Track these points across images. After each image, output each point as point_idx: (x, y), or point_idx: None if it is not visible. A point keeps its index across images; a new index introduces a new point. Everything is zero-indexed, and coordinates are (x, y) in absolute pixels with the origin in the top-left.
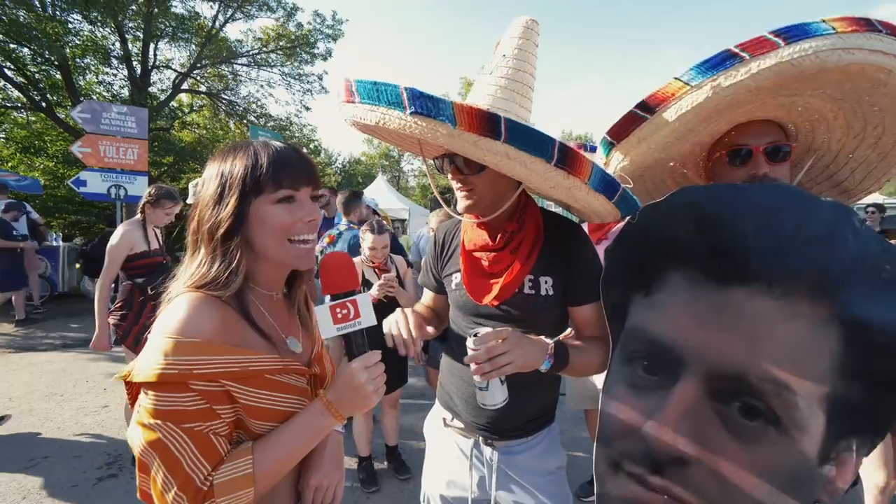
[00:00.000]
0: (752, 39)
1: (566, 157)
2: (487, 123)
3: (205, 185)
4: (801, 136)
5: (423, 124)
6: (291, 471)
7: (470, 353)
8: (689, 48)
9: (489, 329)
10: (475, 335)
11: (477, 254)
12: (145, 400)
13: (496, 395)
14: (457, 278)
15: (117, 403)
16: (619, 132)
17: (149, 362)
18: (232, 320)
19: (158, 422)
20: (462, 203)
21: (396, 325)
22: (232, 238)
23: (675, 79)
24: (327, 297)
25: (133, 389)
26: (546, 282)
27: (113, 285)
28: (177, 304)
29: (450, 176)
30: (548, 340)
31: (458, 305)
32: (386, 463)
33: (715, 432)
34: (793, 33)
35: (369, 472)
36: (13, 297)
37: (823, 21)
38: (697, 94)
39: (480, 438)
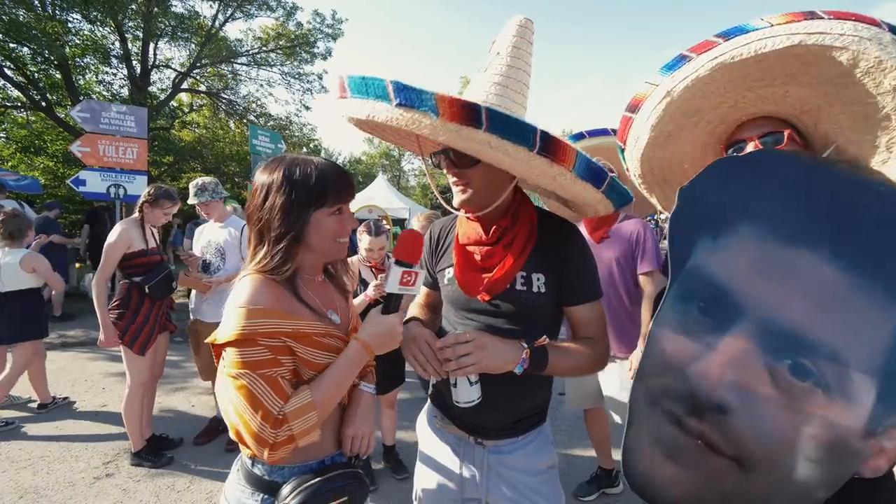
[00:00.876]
0: (700, 42)
1: (548, 144)
2: (469, 112)
3: (267, 191)
4: (810, 129)
5: (407, 115)
6: (333, 423)
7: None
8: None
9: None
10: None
11: (470, 248)
12: (228, 357)
13: (467, 394)
14: (450, 273)
15: (115, 403)
16: (621, 134)
17: (228, 327)
18: (284, 295)
19: (241, 370)
20: (458, 198)
21: (420, 352)
22: (296, 241)
23: (646, 82)
24: (393, 261)
25: (217, 350)
26: (538, 279)
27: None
28: (244, 283)
29: (446, 171)
30: (523, 345)
31: (450, 300)
32: (383, 462)
33: (762, 386)
34: (732, 33)
35: (366, 471)
36: (53, 294)
37: (762, 19)
38: (659, 91)
39: (471, 438)
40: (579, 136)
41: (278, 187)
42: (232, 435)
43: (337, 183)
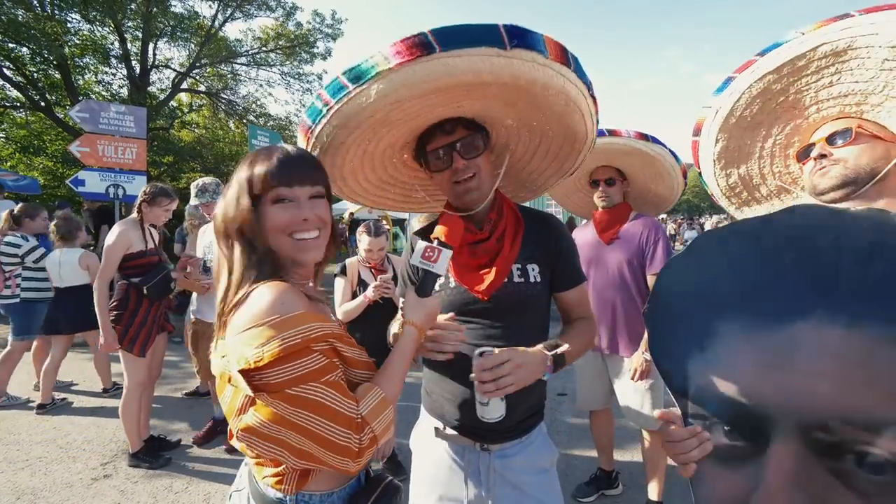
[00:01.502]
0: (742, 64)
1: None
2: (565, 53)
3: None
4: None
5: (527, 56)
6: None
7: (476, 372)
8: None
9: (492, 350)
10: (479, 354)
11: (463, 249)
12: (274, 378)
13: (496, 410)
14: (440, 281)
15: (113, 403)
16: (695, 160)
17: (263, 345)
18: (306, 299)
19: (301, 386)
20: (466, 196)
21: (448, 341)
22: (254, 238)
23: (704, 106)
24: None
25: (249, 376)
26: (533, 269)
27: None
28: (263, 293)
29: (451, 166)
30: (546, 352)
31: (446, 307)
32: (381, 464)
33: (838, 496)
34: (767, 50)
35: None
36: None
37: (796, 31)
38: (711, 112)
39: (477, 445)
40: (644, 137)
41: (231, 182)
42: (280, 464)
43: (271, 167)
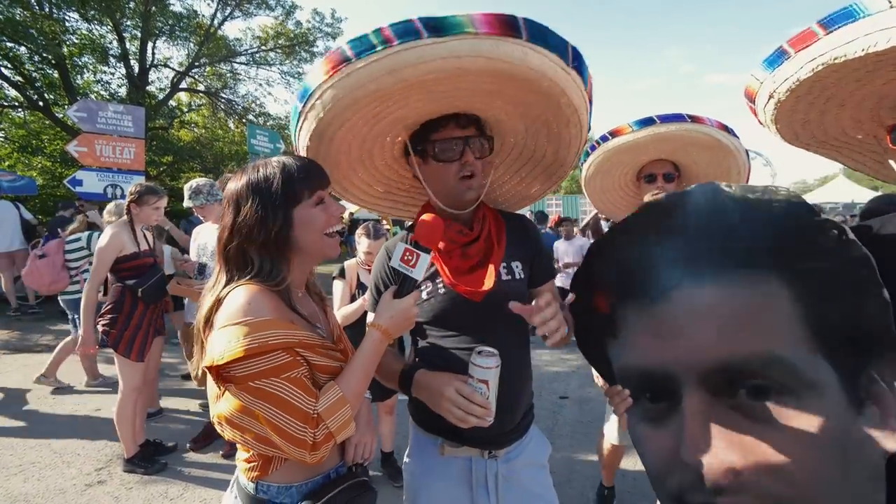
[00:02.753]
0: (799, 35)
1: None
2: (581, 60)
3: (237, 205)
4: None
5: (553, 56)
6: None
7: (479, 370)
8: (690, 47)
9: (491, 349)
10: (479, 353)
11: (454, 252)
12: (240, 372)
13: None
14: (428, 287)
15: (109, 407)
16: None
17: (230, 343)
18: (282, 306)
19: (263, 380)
20: (467, 193)
21: (456, 406)
22: (285, 244)
23: (752, 75)
24: (405, 241)
25: (216, 372)
26: (517, 266)
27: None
28: (237, 295)
29: (463, 158)
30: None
31: (436, 314)
32: (381, 470)
33: (740, 425)
34: (834, 22)
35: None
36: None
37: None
38: (763, 93)
39: (485, 453)
40: (648, 122)
41: (247, 197)
42: (243, 451)
43: (305, 172)
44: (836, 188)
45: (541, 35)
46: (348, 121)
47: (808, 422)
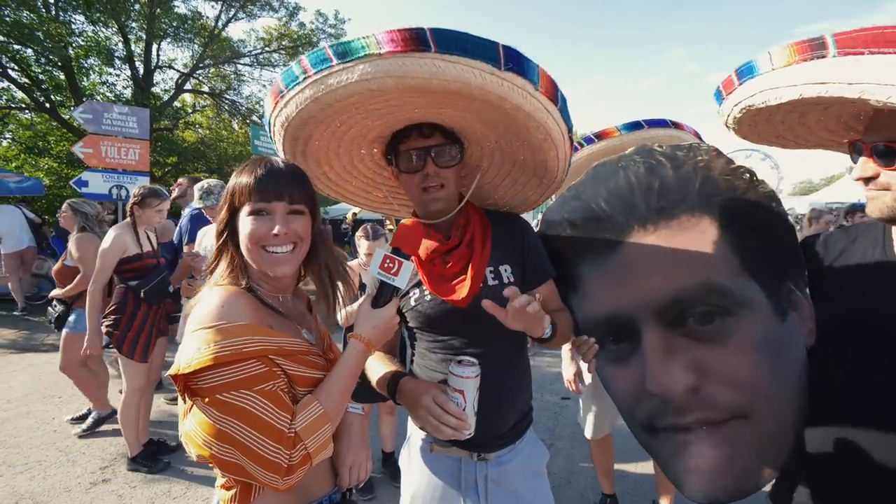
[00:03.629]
0: (725, 79)
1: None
2: (556, 90)
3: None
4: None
5: (518, 81)
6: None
7: (455, 379)
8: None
9: (471, 358)
10: (458, 363)
11: (434, 259)
12: (207, 383)
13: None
14: (416, 294)
15: (113, 407)
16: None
17: (199, 350)
18: (262, 309)
19: (232, 392)
20: (433, 205)
21: (430, 415)
22: (228, 243)
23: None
24: (386, 247)
25: (181, 382)
26: (506, 270)
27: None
28: (212, 296)
29: (420, 172)
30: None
31: (424, 320)
32: (382, 470)
33: (694, 350)
34: (743, 74)
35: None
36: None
37: (768, 54)
38: (721, 119)
39: (474, 455)
40: (636, 126)
41: (224, 190)
42: (221, 477)
43: (258, 180)
44: (841, 188)
45: (454, 44)
46: (310, 138)
47: (746, 334)
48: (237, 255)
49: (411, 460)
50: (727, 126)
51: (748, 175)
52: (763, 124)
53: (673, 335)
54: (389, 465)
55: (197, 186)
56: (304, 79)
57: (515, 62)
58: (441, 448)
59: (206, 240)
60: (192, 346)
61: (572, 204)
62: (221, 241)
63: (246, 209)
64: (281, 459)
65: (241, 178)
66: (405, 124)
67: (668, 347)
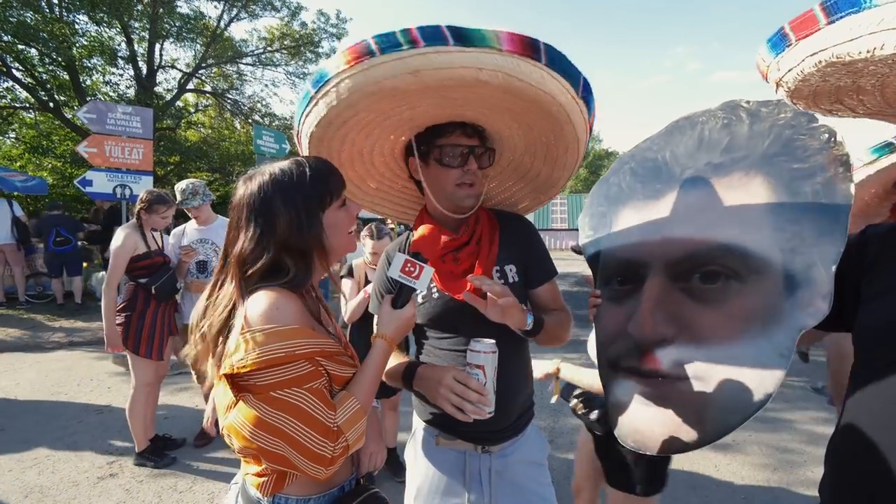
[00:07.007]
0: (800, 18)
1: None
2: (587, 87)
3: (264, 214)
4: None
5: (560, 78)
6: None
7: (475, 355)
8: (697, 44)
9: (487, 339)
10: (476, 341)
11: (445, 257)
12: (260, 381)
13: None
14: (423, 293)
15: (120, 402)
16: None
17: (255, 351)
18: (306, 312)
19: (284, 390)
20: (466, 200)
21: (453, 394)
22: (320, 247)
23: (759, 55)
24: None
25: (234, 379)
26: (511, 269)
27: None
28: (260, 299)
29: (465, 167)
30: (525, 307)
31: (431, 318)
32: (385, 465)
33: (685, 305)
34: (837, 8)
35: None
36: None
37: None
38: (771, 78)
39: (478, 448)
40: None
41: (279, 206)
42: (254, 466)
43: (330, 177)
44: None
45: (559, 61)
46: (358, 114)
47: (744, 301)
48: (322, 253)
49: (417, 453)
50: (779, 85)
51: (827, 135)
52: (829, 86)
53: (672, 288)
54: (391, 461)
55: (179, 188)
56: (411, 48)
57: (587, 92)
58: (446, 441)
59: (189, 238)
60: (241, 349)
61: (643, 153)
62: (310, 244)
63: (334, 205)
64: (326, 451)
65: (315, 181)
66: (451, 120)
67: (663, 298)
